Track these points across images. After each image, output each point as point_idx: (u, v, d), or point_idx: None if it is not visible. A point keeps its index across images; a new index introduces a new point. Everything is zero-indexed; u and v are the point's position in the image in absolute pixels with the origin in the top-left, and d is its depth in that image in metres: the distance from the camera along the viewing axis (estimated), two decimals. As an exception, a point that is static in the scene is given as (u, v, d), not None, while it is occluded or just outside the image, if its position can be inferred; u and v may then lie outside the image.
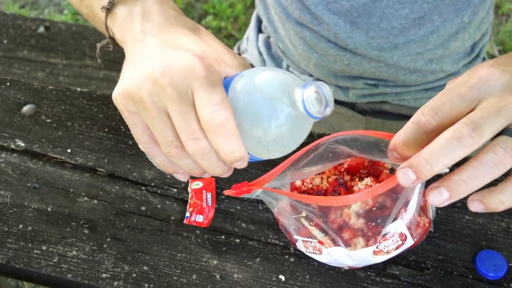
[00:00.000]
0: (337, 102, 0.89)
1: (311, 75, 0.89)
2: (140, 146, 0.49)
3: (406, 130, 0.43)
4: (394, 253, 0.57)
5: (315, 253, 0.58)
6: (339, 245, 0.56)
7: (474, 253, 0.61)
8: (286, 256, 0.62)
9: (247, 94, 0.44)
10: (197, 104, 0.43)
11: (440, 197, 0.39)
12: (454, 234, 0.62)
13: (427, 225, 0.58)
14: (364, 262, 0.57)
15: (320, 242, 0.56)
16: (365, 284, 0.59)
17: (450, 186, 0.39)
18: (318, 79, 0.88)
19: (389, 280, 0.59)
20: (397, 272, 0.60)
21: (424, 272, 0.60)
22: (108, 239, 0.63)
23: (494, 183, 0.40)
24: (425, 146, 0.41)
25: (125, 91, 0.46)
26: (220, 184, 0.67)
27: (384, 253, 0.56)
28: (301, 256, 0.61)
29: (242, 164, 0.44)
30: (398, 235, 0.55)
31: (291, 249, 0.62)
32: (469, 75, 0.43)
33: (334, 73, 0.86)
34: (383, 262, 0.60)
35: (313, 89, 0.43)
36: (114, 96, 0.47)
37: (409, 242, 0.56)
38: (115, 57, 1.22)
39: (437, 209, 0.64)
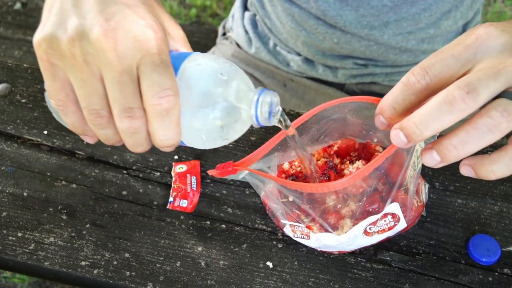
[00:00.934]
0: (325, 83, 0.87)
1: (298, 54, 0.86)
2: (51, 101, 0.42)
3: (394, 91, 0.40)
4: (386, 235, 0.55)
5: (303, 238, 0.56)
6: (327, 231, 0.53)
7: (467, 238, 0.59)
8: (274, 242, 0.59)
9: (195, 82, 0.40)
10: (143, 83, 0.39)
11: (432, 160, 0.38)
12: (447, 218, 0.60)
13: (420, 208, 0.57)
14: (354, 244, 0.55)
15: (307, 226, 0.54)
16: (355, 270, 0.57)
17: (441, 150, 0.37)
18: (306, 58, 0.85)
19: (380, 266, 0.58)
20: (388, 258, 0.58)
21: (416, 257, 0.58)
22: (88, 225, 0.60)
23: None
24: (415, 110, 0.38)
25: (53, 39, 0.39)
26: (205, 167, 0.65)
27: (375, 233, 0.54)
28: (290, 242, 0.59)
29: (169, 149, 0.42)
30: (391, 216, 0.53)
31: (279, 234, 0.60)
32: (465, 35, 0.40)
33: (322, 51, 0.83)
34: (373, 247, 0.59)
35: (268, 98, 0.41)
36: (37, 40, 0.40)
37: (402, 224, 0.54)
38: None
39: (429, 193, 0.62)
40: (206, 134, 0.41)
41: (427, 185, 0.58)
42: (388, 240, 0.59)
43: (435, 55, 0.39)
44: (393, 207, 0.53)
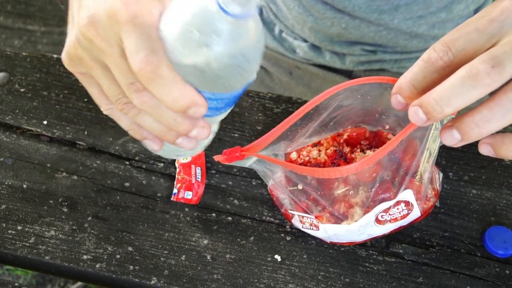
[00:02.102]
0: (333, 70, 0.84)
1: (305, 40, 0.84)
2: (102, 109, 0.43)
3: (414, 69, 0.38)
4: (398, 224, 0.52)
5: (312, 229, 0.54)
6: (336, 221, 0.51)
7: (483, 230, 0.57)
8: (282, 235, 0.57)
9: (176, 25, 0.37)
10: (126, 55, 0.38)
11: (452, 139, 0.36)
12: (461, 209, 0.58)
13: (435, 197, 0.54)
14: (365, 233, 0.53)
15: (317, 217, 0.52)
16: (367, 264, 0.55)
17: (462, 129, 0.35)
18: (313, 45, 0.83)
19: (392, 259, 0.55)
20: (401, 251, 0.56)
21: (430, 250, 0.56)
22: (89, 218, 0.58)
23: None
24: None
25: (67, 50, 0.41)
26: (210, 158, 0.62)
27: (387, 221, 0.51)
28: (298, 235, 0.57)
29: (198, 111, 0.38)
30: (404, 204, 0.51)
31: (287, 227, 0.58)
32: (489, 8, 0.37)
33: (330, 38, 0.81)
34: (385, 240, 0.56)
35: None
36: (62, 58, 0.43)
37: (416, 213, 0.52)
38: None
39: (443, 183, 0.59)
40: (214, 70, 0.38)
41: (441, 174, 0.56)
42: (401, 232, 0.57)
43: (457, 30, 0.37)
44: (406, 195, 0.51)
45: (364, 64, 0.83)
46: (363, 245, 0.56)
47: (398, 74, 0.86)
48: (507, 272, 0.54)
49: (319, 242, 0.57)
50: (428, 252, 0.56)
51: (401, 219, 0.52)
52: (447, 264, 0.55)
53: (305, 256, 0.56)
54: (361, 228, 0.51)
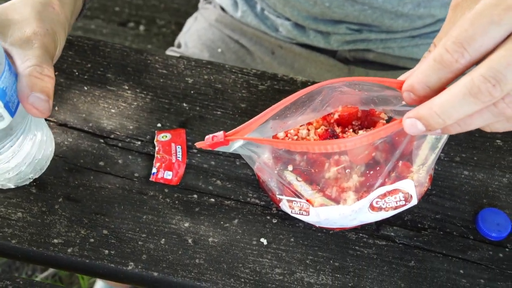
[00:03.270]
0: (317, 49, 0.81)
1: (288, 19, 0.80)
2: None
3: (427, 70, 0.35)
4: (393, 213, 0.50)
5: (302, 214, 0.51)
6: (330, 199, 0.49)
7: (475, 212, 0.55)
8: (268, 217, 0.54)
9: None
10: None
11: (416, 129, 0.35)
12: (453, 191, 0.56)
13: (428, 182, 0.52)
14: (357, 219, 0.50)
15: (308, 200, 0.49)
16: (357, 247, 0.53)
17: (445, 128, 0.35)
18: (297, 23, 0.80)
19: (383, 242, 0.53)
20: (392, 233, 0.54)
21: (422, 233, 0.54)
22: (60, 199, 0.54)
23: None
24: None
25: None
26: (191, 136, 0.59)
27: (382, 209, 0.49)
28: (285, 217, 0.54)
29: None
30: (402, 194, 0.48)
31: (274, 209, 0.55)
32: None
33: (313, 16, 0.78)
34: (376, 222, 0.54)
35: None
36: None
37: (413, 202, 0.50)
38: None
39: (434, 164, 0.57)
40: None
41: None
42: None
43: (471, 23, 0.33)
44: (406, 185, 0.48)
45: (350, 44, 0.80)
46: (353, 228, 0.54)
47: (384, 55, 0.84)
48: (501, 255, 0.52)
49: (307, 225, 0.54)
50: (420, 235, 0.54)
51: (395, 209, 0.50)
52: (439, 247, 0.53)
53: (292, 240, 0.53)
54: (353, 213, 0.49)
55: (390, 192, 0.48)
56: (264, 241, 0.53)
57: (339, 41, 0.79)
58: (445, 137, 0.49)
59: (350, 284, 0.51)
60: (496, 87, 0.32)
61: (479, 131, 0.60)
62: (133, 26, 1.05)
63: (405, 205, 0.49)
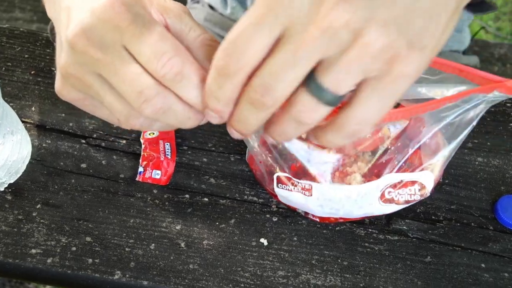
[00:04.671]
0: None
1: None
2: (123, 126, 0.36)
3: (209, 78, 0.32)
4: (404, 206, 0.46)
5: (304, 194, 0.45)
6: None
7: (493, 200, 0.50)
8: (268, 215, 0.49)
9: None
10: (141, 60, 0.32)
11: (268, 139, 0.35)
12: (467, 179, 0.52)
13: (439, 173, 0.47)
14: (364, 208, 0.45)
15: (312, 178, 0.44)
16: (367, 244, 0.48)
17: (270, 136, 0.33)
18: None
19: (395, 237, 0.48)
20: (404, 227, 0.49)
21: (437, 225, 0.49)
22: (38, 206, 0.49)
23: None
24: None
25: (59, 73, 0.35)
26: (180, 132, 0.54)
27: (393, 202, 0.44)
28: (286, 215, 0.49)
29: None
30: (419, 188, 0.44)
31: (273, 206, 0.50)
32: None
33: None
34: (385, 216, 0.49)
35: None
36: (56, 87, 0.36)
37: (424, 197, 0.45)
38: (48, 9, 1.05)
39: (445, 151, 0.53)
40: None
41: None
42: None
43: (240, 24, 0.29)
44: (425, 177, 0.44)
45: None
46: (361, 223, 0.49)
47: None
48: (525, 245, 0.48)
49: (311, 222, 0.49)
50: (435, 227, 0.49)
51: (407, 203, 0.45)
52: (457, 240, 0.48)
53: (295, 239, 0.48)
54: (360, 198, 0.44)
55: (406, 184, 0.43)
56: (264, 241, 0.48)
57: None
58: (464, 131, 0.44)
59: (361, 284, 0.46)
60: (266, 97, 0.30)
61: (491, 114, 0.56)
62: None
63: (418, 200, 0.44)
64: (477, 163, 0.53)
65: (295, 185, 0.45)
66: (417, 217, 0.49)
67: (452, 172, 0.52)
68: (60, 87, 0.35)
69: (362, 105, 0.29)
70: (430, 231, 0.48)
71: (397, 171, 0.44)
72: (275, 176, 0.46)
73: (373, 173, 0.44)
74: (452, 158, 0.52)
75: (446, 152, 0.44)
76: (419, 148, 0.45)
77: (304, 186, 0.45)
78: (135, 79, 0.32)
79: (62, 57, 0.34)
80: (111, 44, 0.32)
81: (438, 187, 0.51)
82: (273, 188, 0.46)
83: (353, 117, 0.29)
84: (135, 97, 0.32)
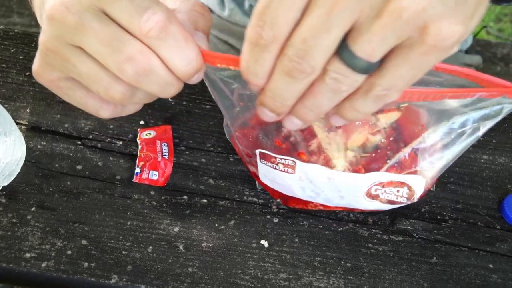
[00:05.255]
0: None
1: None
2: (101, 115, 0.36)
3: (244, 53, 0.30)
4: (385, 207, 0.44)
5: (287, 172, 0.43)
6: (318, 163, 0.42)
7: (500, 199, 0.49)
8: (268, 216, 0.48)
9: None
10: (121, 20, 0.32)
11: (294, 125, 0.33)
12: (473, 178, 0.50)
13: (431, 184, 0.45)
14: (346, 200, 0.44)
15: (299, 154, 0.42)
16: (370, 245, 0.47)
17: (300, 115, 0.32)
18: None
19: (399, 238, 0.47)
20: (409, 227, 0.47)
21: (442, 225, 0.48)
22: (33, 209, 0.48)
23: None
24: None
25: (38, 51, 0.34)
26: (177, 132, 0.53)
27: (377, 199, 0.43)
28: (287, 216, 0.48)
29: (200, 76, 0.34)
30: (407, 191, 0.42)
31: (274, 207, 0.49)
32: None
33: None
34: (389, 216, 0.48)
35: None
36: (33, 68, 0.35)
37: (412, 201, 0.44)
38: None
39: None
40: None
41: None
42: (406, 206, 0.48)
43: None
44: (416, 181, 0.42)
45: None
46: (364, 223, 0.48)
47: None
48: (533, 245, 0.46)
49: (312, 223, 0.48)
50: (440, 227, 0.47)
51: (392, 203, 0.44)
52: (463, 240, 0.47)
53: (296, 240, 0.47)
54: (344, 185, 0.42)
55: (395, 183, 0.42)
56: (265, 243, 0.47)
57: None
58: (467, 140, 0.42)
59: (365, 287, 0.44)
60: (303, 65, 0.29)
61: (495, 111, 0.54)
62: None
63: (403, 203, 0.43)
64: (482, 161, 0.51)
65: (277, 163, 0.43)
66: (422, 216, 0.48)
67: (457, 171, 0.51)
68: (37, 66, 0.35)
69: (391, 72, 0.28)
70: (435, 231, 0.47)
71: (388, 170, 0.42)
72: (257, 152, 0.43)
73: (360, 163, 0.42)
74: (457, 156, 0.51)
75: (443, 161, 0.43)
76: (415, 151, 0.43)
77: (287, 163, 0.43)
78: (116, 39, 0.31)
79: (41, 34, 0.33)
80: (88, 9, 0.31)
81: (443, 185, 0.50)
82: (256, 166, 0.45)
83: (381, 83, 0.29)
84: (116, 57, 0.31)
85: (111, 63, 0.32)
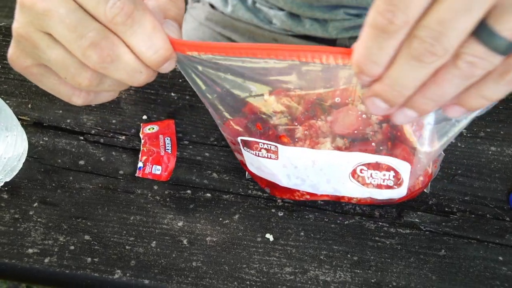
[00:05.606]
0: (315, 39, 0.76)
1: (281, 9, 0.75)
2: (73, 101, 0.36)
3: (366, 41, 0.29)
4: (373, 193, 0.43)
5: (270, 158, 0.42)
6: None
7: (508, 191, 0.48)
8: (273, 210, 0.48)
9: None
10: (87, 7, 0.32)
11: (407, 118, 0.31)
12: (481, 169, 0.50)
13: (425, 179, 0.45)
14: (332, 184, 0.42)
15: (281, 137, 0.40)
16: (377, 238, 0.46)
17: (417, 106, 0.30)
18: (291, 12, 0.74)
19: (407, 231, 0.46)
20: (416, 220, 0.47)
21: (450, 217, 0.47)
22: (35, 204, 0.48)
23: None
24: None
25: (13, 39, 0.34)
26: (181, 127, 0.52)
27: (365, 183, 0.42)
28: (292, 209, 0.47)
29: (170, 66, 0.34)
30: (394, 174, 0.41)
31: (279, 200, 0.48)
32: None
33: (308, 3, 0.72)
34: (396, 209, 0.47)
35: None
36: (8, 54, 0.35)
37: (401, 192, 0.43)
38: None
39: (456, 141, 0.51)
40: None
41: (442, 155, 0.45)
42: (413, 198, 0.47)
43: None
44: (402, 166, 0.41)
45: (349, 31, 0.74)
46: (370, 216, 0.47)
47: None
48: (544, 236, 0.46)
49: (318, 216, 0.47)
50: (448, 219, 0.47)
51: (378, 188, 0.42)
52: (472, 232, 0.46)
53: (302, 234, 0.46)
54: (328, 167, 0.41)
55: (380, 166, 0.40)
56: (270, 237, 0.46)
57: (337, 28, 0.74)
58: (458, 126, 0.41)
59: (372, 280, 0.44)
60: (437, 46, 0.27)
61: (503, 102, 0.54)
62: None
63: (391, 187, 0.42)
64: (490, 152, 0.50)
65: (259, 150, 0.42)
66: (430, 209, 0.47)
67: (465, 163, 0.50)
68: (12, 53, 0.35)
69: None
70: (443, 224, 0.46)
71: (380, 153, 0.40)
72: (239, 139, 0.42)
73: (346, 147, 0.41)
74: (464, 148, 0.50)
75: (431, 148, 0.41)
76: (402, 142, 0.42)
77: (270, 147, 0.41)
78: (81, 25, 0.31)
79: (14, 22, 0.33)
80: None
81: (451, 177, 0.49)
82: (242, 154, 0.44)
83: None
84: (80, 43, 0.31)
85: (76, 49, 0.32)
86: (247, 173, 0.49)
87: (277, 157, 0.41)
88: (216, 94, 0.38)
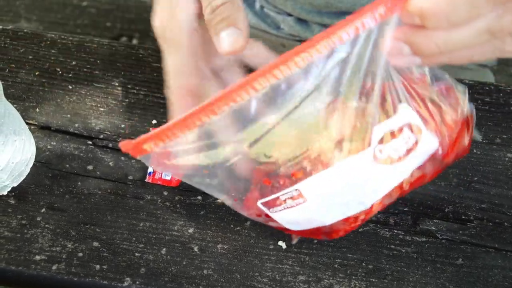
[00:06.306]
0: (323, 44, 0.75)
1: (289, 15, 0.74)
2: None
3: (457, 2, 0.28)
4: (414, 161, 0.37)
5: (297, 205, 0.38)
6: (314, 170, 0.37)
7: (526, 198, 0.47)
8: (286, 217, 0.46)
9: None
10: None
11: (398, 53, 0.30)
12: (497, 176, 0.49)
13: (460, 124, 0.39)
14: (369, 187, 0.38)
15: (293, 174, 0.37)
16: (392, 246, 0.45)
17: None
18: (299, 18, 0.74)
19: (423, 239, 0.45)
20: (432, 228, 0.46)
21: (467, 225, 0.46)
22: (43, 210, 0.47)
23: None
24: None
25: None
26: (191, 132, 0.51)
27: (394, 160, 0.36)
28: (305, 216, 0.46)
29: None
30: (408, 129, 0.36)
31: (291, 207, 0.47)
32: None
33: (317, 9, 0.71)
34: (411, 217, 0.46)
35: None
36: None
37: (431, 141, 0.37)
38: (55, 18, 1.04)
39: (472, 147, 0.50)
40: None
41: (466, 94, 0.40)
42: (429, 206, 0.46)
43: None
44: (406, 114, 0.36)
45: (358, 37, 0.74)
46: (385, 224, 0.46)
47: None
48: None
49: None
50: (465, 228, 0.46)
51: (408, 153, 0.36)
52: (490, 240, 0.45)
53: (315, 241, 0.45)
54: (351, 174, 0.36)
55: (392, 134, 0.36)
56: (282, 244, 0.45)
57: (347, 33, 0.73)
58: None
59: (389, 289, 0.43)
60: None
61: (519, 108, 0.53)
62: (126, 40, 0.99)
63: (417, 143, 0.36)
64: (507, 159, 0.50)
65: (285, 202, 0.38)
66: (446, 216, 0.46)
67: (481, 169, 0.49)
68: None
69: None
70: (460, 232, 0.45)
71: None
72: (259, 204, 0.39)
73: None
74: (480, 155, 0.49)
75: None
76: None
77: (293, 195, 0.38)
78: None
79: None
80: None
81: (467, 184, 0.48)
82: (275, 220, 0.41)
83: None
84: None
85: None
86: (293, 237, 0.45)
87: (304, 199, 0.38)
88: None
